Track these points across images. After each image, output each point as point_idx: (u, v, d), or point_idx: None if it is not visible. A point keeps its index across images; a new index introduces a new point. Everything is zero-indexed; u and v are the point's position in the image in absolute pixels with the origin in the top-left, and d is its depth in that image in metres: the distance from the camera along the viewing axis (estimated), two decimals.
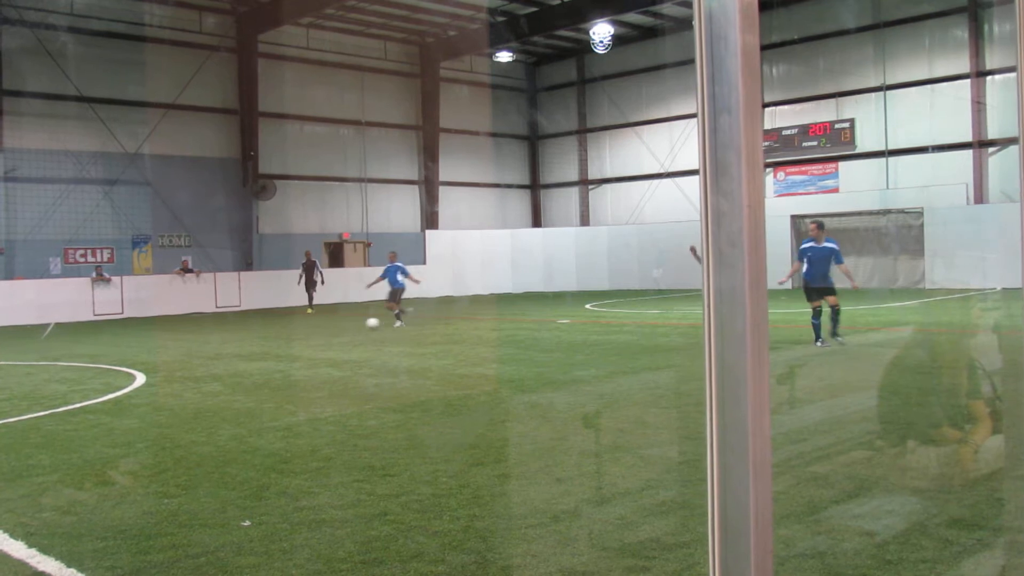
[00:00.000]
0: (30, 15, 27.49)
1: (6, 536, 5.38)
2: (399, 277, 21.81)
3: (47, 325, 20.73)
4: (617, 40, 35.06)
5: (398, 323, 21.19)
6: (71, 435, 8.72)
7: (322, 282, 28.80)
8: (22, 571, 4.85)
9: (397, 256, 22.73)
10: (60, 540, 5.29)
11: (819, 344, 13.99)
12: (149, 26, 29.36)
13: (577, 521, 5.45)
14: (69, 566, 4.85)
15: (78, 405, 10.50)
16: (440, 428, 8.64)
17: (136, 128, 29.99)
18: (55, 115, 28.34)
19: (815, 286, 14.28)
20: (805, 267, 14.41)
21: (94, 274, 28.05)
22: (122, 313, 27.60)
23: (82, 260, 28.92)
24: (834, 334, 14.11)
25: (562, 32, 36.76)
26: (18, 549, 5.16)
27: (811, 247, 14.39)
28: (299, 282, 28.60)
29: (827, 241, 14.37)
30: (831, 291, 14.22)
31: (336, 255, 35.77)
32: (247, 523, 5.53)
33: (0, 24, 27.07)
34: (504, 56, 39.38)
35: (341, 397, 10.83)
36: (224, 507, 5.93)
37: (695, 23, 1.53)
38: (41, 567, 4.87)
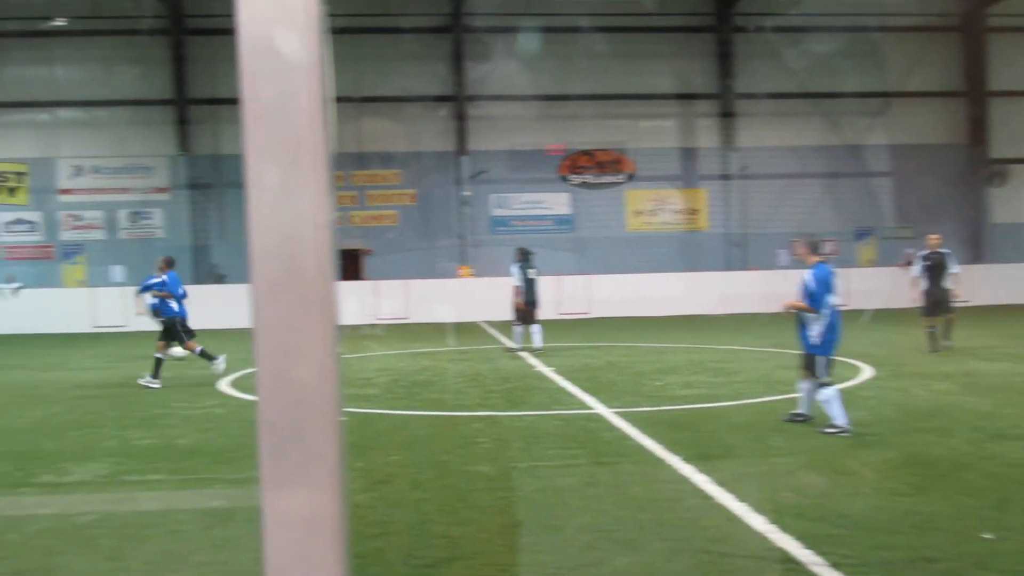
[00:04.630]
0: (756, 20, 29.42)
1: (749, 509, 5.76)
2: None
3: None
4: None
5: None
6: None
7: None
8: (763, 544, 5.16)
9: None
10: (796, 520, 5.49)
11: None
12: (869, 15, 29.23)
13: None
14: (806, 547, 4.99)
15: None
16: None
17: (856, 120, 30.32)
18: (780, 113, 30.01)
19: None
20: None
21: None
22: (847, 304, 27.96)
23: None
24: None
25: None
26: (760, 523, 5.48)
27: None
28: None
29: None
30: None
31: None
32: (990, 536, 5.14)
33: (731, 33, 29.51)
34: None
35: None
36: (961, 514, 5.61)
37: None
38: (780, 543, 5.11)
